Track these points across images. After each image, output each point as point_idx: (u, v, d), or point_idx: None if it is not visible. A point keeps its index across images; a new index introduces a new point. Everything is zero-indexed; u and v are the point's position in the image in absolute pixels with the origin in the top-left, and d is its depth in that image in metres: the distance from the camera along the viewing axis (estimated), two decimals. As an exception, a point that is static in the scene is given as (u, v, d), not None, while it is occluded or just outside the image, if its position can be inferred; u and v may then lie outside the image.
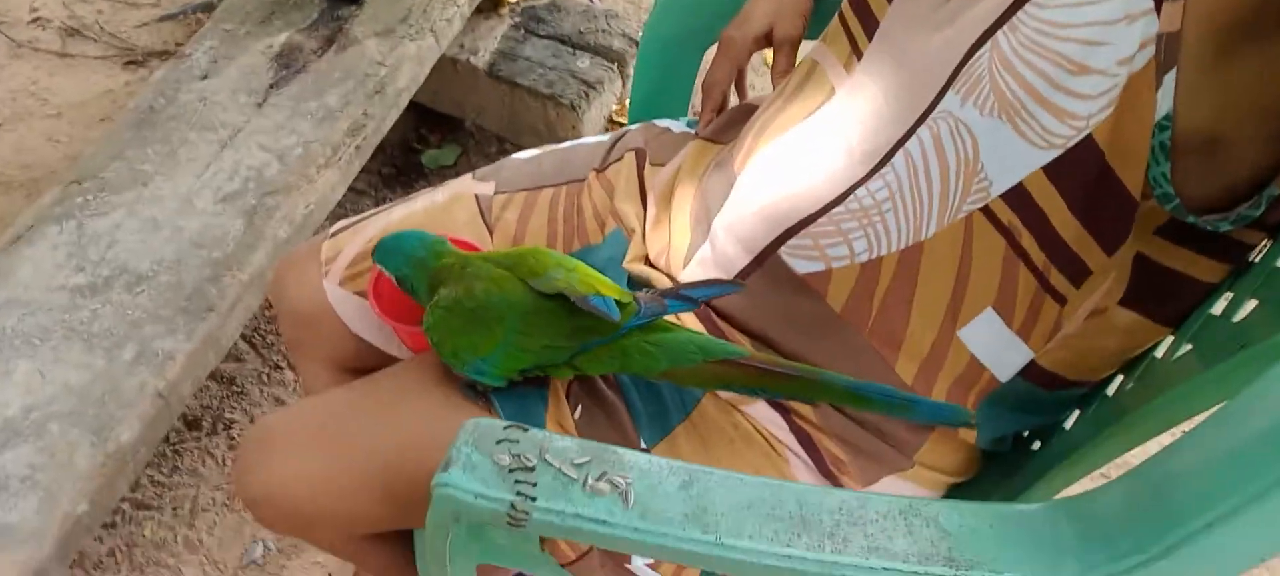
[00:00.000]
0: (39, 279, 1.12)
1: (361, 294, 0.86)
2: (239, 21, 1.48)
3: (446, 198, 0.91)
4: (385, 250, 0.75)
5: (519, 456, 0.55)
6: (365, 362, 0.88)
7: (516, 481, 0.54)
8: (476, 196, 0.91)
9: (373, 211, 0.93)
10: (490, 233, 0.89)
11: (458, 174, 1.84)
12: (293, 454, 0.73)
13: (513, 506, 0.53)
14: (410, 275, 0.74)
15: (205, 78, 1.39)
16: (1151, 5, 0.58)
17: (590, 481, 0.54)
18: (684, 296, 0.69)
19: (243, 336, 1.47)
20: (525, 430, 0.57)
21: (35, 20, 2.01)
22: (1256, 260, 0.64)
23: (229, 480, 1.33)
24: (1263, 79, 0.57)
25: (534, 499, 0.53)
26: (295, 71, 1.40)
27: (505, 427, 0.57)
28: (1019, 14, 0.64)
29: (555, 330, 0.70)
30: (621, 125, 1.85)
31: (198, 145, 1.29)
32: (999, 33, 0.65)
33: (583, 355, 0.70)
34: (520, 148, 1.87)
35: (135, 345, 1.07)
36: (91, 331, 1.08)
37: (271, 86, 1.38)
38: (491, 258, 0.73)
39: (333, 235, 0.91)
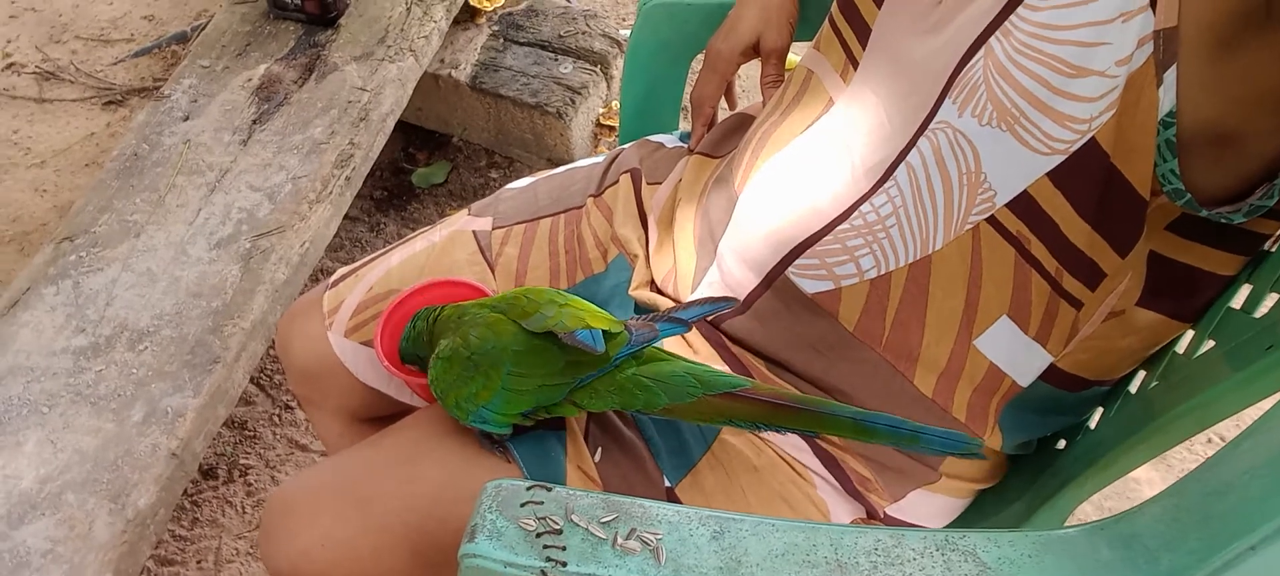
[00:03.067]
0: (40, 344, 1.11)
1: (368, 343, 0.86)
2: (216, 56, 1.46)
3: (444, 237, 0.90)
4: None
5: (545, 519, 0.55)
6: (378, 411, 0.88)
7: (545, 546, 0.54)
8: (475, 233, 0.90)
9: (372, 256, 0.92)
10: (492, 270, 0.89)
11: (449, 190, 1.84)
12: (317, 520, 0.72)
13: (543, 573, 0.53)
14: (412, 350, 0.74)
15: (187, 119, 1.37)
16: (1146, 1, 0.57)
17: (620, 539, 0.54)
18: (676, 319, 0.69)
19: (251, 379, 1.46)
20: (549, 489, 0.56)
21: (9, 66, 1.98)
22: (1272, 249, 0.63)
23: (251, 527, 1.32)
24: (1267, 68, 0.55)
25: (565, 564, 0.53)
26: (277, 104, 1.38)
27: (528, 488, 0.57)
28: (1011, 18, 0.63)
29: (548, 368, 0.69)
30: (610, 128, 1.84)
31: (186, 190, 1.27)
32: (992, 38, 0.64)
33: (580, 391, 0.69)
34: (509, 159, 1.87)
35: (144, 405, 1.06)
36: (98, 394, 1.07)
37: (255, 122, 1.36)
38: (488, 303, 0.73)
39: (333, 285, 0.90)
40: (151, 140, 1.33)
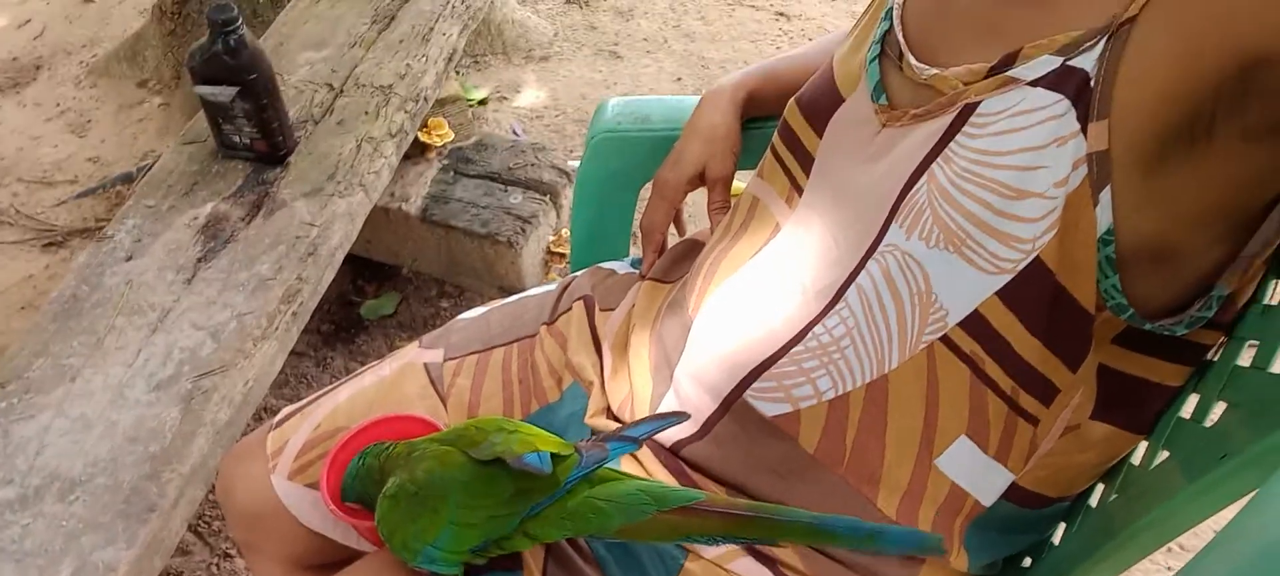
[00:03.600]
0: (-38, 498, 1.05)
1: (313, 485, 0.82)
2: (162, 195, 1.44)
3: (394, 371, 0.88)
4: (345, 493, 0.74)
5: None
6: (324, 558, 0.84)
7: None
8: (426, 365, 0.88)
9: (318, 394, 0.90)
10: (444, 403, 0.87)
11: (398, 321, 1.82)
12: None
13: None
14: (359, 488, 0.72)
15: (130, 258, 1.35)
16: (1078, 127, 0.59)
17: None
18: (626, 437, 0.67)
19: (189, 526, 1.40)
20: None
21: (-55, 211, 1.95)
22: (1215, 359, 0.64)
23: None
24: (1196, 187, 0.58)
25: None
26: (224, 242, 1.37)
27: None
28: (950, 145, 0.65)
29: (496, 497, 0.67)
30: (560, 255, 1.85)
31: (126, 332, 1.24)
32: (934, 165, 0.65)
33: (531, 520, 0.67)
34: (460, 288, 1.86)
35: (73, 560, 1.00)
36: (24, 549, 1.01)
37: (200, 260, 1.34)
38: (437, 436, 0.71)
39: (277, 425, 0.87)
40: (92, 281, 1.30)
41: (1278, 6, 0.51)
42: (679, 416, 0.72)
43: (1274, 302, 0.62)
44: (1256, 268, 0.62)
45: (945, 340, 0.65)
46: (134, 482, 1.06)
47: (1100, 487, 0.71)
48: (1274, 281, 0.63)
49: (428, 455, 0.68)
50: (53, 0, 2.76)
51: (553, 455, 0.65)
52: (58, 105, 2.32)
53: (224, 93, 1.35)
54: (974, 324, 0.64)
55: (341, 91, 1.60)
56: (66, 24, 2.64)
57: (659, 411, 0.77)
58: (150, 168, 1.51)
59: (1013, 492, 0.69)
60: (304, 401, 0.89)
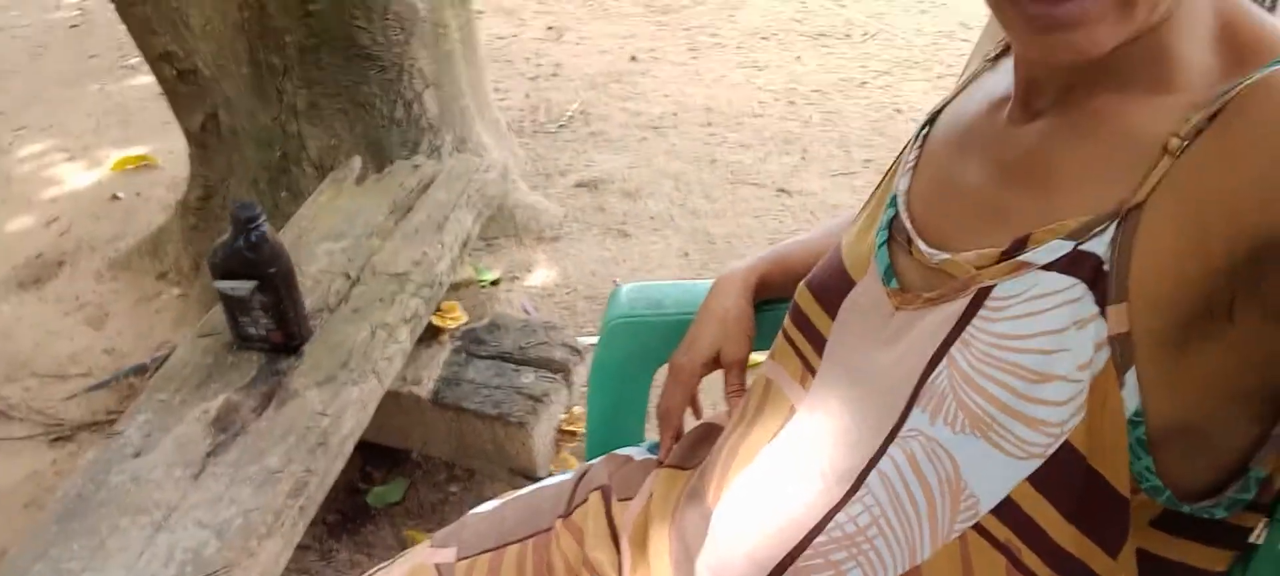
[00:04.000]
0: None
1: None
2: (174, 390, 1.44)
3: (405, 573, 0.86)
4: None
5: None
6: None
7: None
8: (438, 566, 0.85)
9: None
10: (456, 605, 0.83)
11: (406, 508, 1.78)
12: None
13: None
14: None
15: (138, 455, 1.33)
16: (1097, 310, 0.59)
17: None
18: None
19: None
20: None
21: (-42, 408, 1.95)
22: (1259, 542, 0.62)
23: None
24: (1222, 367, 0.57)
25: None
26: (234, 434, 1.36)
27: None
28: (968, 329, 0.64)
29: None
30: (572, 434, 1.83)
31: (129, 532, 1.21)
32: (953, 348, 0.65)
33: None
34: (470, 471, 1.83)
35: None
36: None
37: (209, 454, 1.33)
38: None
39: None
40: (98, 480, 1.28)
41: (1277, 192, 0.51)
42: None
43: (1315, 484, 0.60)
44: (1292, 447, 0.60)
45: (979, 528, 0.63)
46: (131, 695, 1.02)
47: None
48: (1313, 461, 0.61)
49: None
50: (81, 198, 2.86)
51: None
52: (77, 299, 2.36)
53: (243, 287, 1.37)
54: (1007, 511, 0.62)
55: (358, 280, 1.63)
56: (93, 221, 2.72)
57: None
58: (165, 359, 1.51)
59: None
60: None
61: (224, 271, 1.37)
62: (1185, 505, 0.60)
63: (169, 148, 2.98)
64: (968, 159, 0.71)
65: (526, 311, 2.29)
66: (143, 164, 3.04)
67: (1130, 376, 0.58)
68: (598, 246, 2.55)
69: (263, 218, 1.35)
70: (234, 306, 1.42)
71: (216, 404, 1.40)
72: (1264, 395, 0.58)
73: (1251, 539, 0.63)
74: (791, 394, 0.78)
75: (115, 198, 2.86)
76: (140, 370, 2.01)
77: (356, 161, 1.98)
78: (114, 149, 3.12)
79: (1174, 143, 0.57)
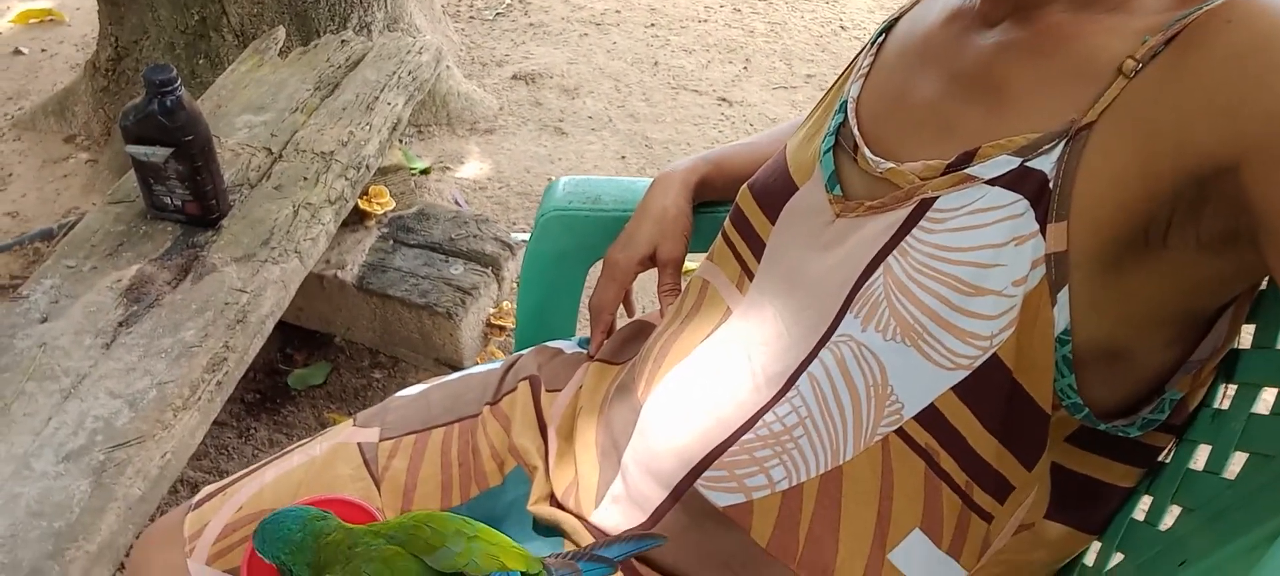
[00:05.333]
0: None
1: (233, 571, 0.77)
2: (83, 256, 1.38)
3: (326, 450, 0.84)
4: (262, 536, 0.67)
5: None
6: (241, 650, 0.78)
7: None
8: (360, 445, 0.84)
9: (242, 473, 0.85)
10: (377, 485, 0.83)
11: (327, 392, 1.76)
12: None
13: None
14: (289, 561, 0.65)
15: (45, 320, 1.27)
16: (1037, 228, 0.59)
17: None
18: (599, 557, 0.64)
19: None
20: None
21: None
22: (1167, 462, 0.64)
23: None
24: (1151, 291, 0.58)
25: None
26: (147, 305, 1.31)
27: None
28: (907, 238, 0.65)
29: None
30: (500, 328, 1.82)
31: (36, 398, 1.16)
32: (890, 257, 0.65)
33: None
34: (394, 359, 1.81)
35: (-43, 647, 0.92)
36: (-98, 635, 0.93)
37: (120, 325, 1.28)
38: (382, 531, 0.65)
39: (196, 506, 0.81)
40: (1, 344, 1.22)
41: (1232, 116, 0.52)
42: (656, 539, 0.68)
43: (1224, 407, 0.62)
44: (1207, 372, 0.62)
45: (901, 433, 0.65)
46: (34, 561, 0.99)
47: (1054, 590, 0.71)
48: (1223, 386, 0.64)
49: (373, 555, 0.63)
50: (-21, 50, 2.67)
51: (521, 574, 0.61)
52: (-23, 156, 2.23)
53: (157, 153, 1.30)
54: (930, 418, 0.64)
55: (280, 156, 1.56)
56: (-8, 74, 2.55)
57: (606, 499, 0.75)
58: (72, 225, 1.44)
59: (966, 590, 0.68)
60: (226, 481, 0.84)
61: (137, 136, 1.30)
62: (1102, 423, 0.62)
63: (76, 3, 2.79)
64: (921, 69, 0.71)
65: (457, 203, 2.24)
66: (48, 18, 2.85)
67: (1063, 295, 0.59)
68: (533, 142, 2.50)
69: (179, 82, 1.28)
70: (148, 173, 1.35)
71: (129, 273, 1.34)
72: (1186, 321, 0.60)
73: (1160, 458, 0.65)
74: (728, 297, 0.78)
75: (18, 52, 2.68)
76: (47, 235, 1.91)
77: (280, 32, 1.88)
78: (17, 1, 2.92)
79: (1129, 64, 0.57)
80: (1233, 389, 0.62)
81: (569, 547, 0.75)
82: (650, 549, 0.69)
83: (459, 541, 0.63)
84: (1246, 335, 0.64)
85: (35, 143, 2.30)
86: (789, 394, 0.68)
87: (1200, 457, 0.62)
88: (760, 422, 0.69)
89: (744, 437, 0.69)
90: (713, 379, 0.73)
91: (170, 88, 1.26)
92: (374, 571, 0.62)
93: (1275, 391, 0.60)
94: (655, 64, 2.91)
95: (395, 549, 0.63)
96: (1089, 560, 0.67)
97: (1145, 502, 0.64)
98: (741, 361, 0.72)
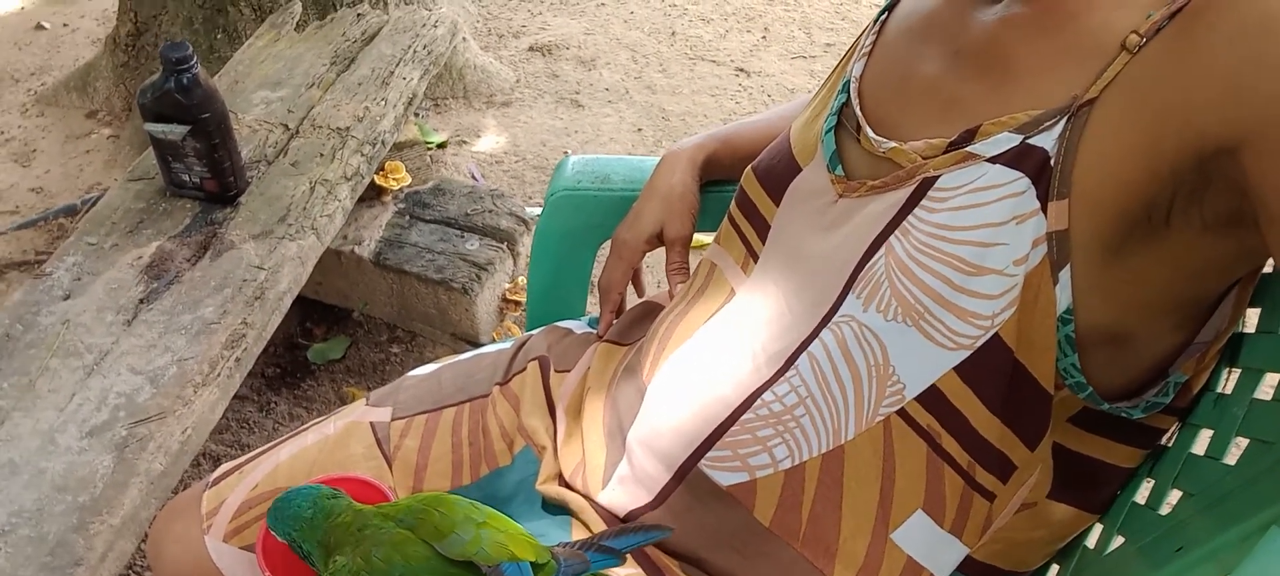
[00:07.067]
0: (-128, 549, 1.00)
1: (249, 548, 0.79)
2: (105, 233, 1.40)
3: (340, 429, 0.86)
4: (275, 514, 0.68)
5: None
6: (257, 623, 0.80)
7: None
8: (372, 425, 0.86)
9: (258, 451, 0.86)
10: (389, 464, 0.84)
11: (346, 366, 1.78)
12: None
13: None
14: (301, 539, 0.67)
15: (68, 297, 1.30)
16: (1038, 206, 0.59)
17: None
18: (607, 548, 0.65)
19: (115, 579, 1.33)
20: None
21: (-126, 239, 1.87)
22: (1169, 444, 0.64)
23: None
24: (1154, 273, 0.58)
25: None
26: (167, 282, 1.33)
27: None
28: (909, 218, 0.64)
29: None
30: (516, 303, 1.83)
31: (60, 374, 1.19)
32: (892, 237, 0.65)
33: None
34: (412, 333, 1.83)
35: (-12, 618, 0.95)
36: (-66, 605, 0.96)
37: (141, 301, 1.30)
38: (392, 513, 0.66)
39: (213, 484, 0.83)
40: (26, 320, 1.25)
41: (1236, 98, 0.51)
42: (663, 530, 0.69)
43: (1227, 392, 0.62)
44: (1211, 355, 0.62)
45: (902, 414, 0.65)
46: (60, 534, 1.02)
47: (1056, 568, 0.71)
48: (1227, 370, 0.63)
49: (382, 539, 0.63)
50: (3, 26, 2.70)
51: (531, 565, 0.62)
52: (2, 133, 2.26)
53: (175, 131, 1.32)
54: (932, 398, 0.64)
55: (297, 132, 1.57)
56: (15, 50, 2.58)
57: (612, 481, 0.76)
58: (95, 201, 1.46)
59: (967, 565, 0.69)
60: (243, 459, 0.86)
61: (155, 114, 1.31)
62: (1105, 404, 0.62)
63: (98, -22, 2.81)
64: (924, 47, 0.70)
65: (473, 177, 2.25)
66: (70, -7, 2.87)
67: (1064, 274, 0.59)
68: (549, 115, 2.50)
69: (195, 60, 1.29)
70: (166, 151, 1.37)
71: (149, 250, 1.36)
72: (1190, 304, 0.60)
73: (1163, 441, 0.65)
74: (733, 278, 0.79)
75: (40, 26, 2.71)
76: (71, 211, 1.94)
77: (297, 6, 1.89)
78: (39, -25, 2.94)
79: (1132, 39, 0.56)
80: (1236, 373, 0.62)
81: (577, 526, 0.76)
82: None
83: (468, 527, 0.63)
84: (1250, 318, 0.64)
85: (58, 118, 2.33)
86: (788, 373, 0.69)
87: (1202, 442, 0.62)
88: (759, 402, 0.69)
89: (744, 417, 0.70)
90: (714, 359, 0.74)
91: (186, 65, 1.28)
92: (383, 555, 0.63)
93: (1278, 377, 0.59)
94: (672, 33, 2.89)
95: (404, 533, 0.64)
96: (1090, 542, 0.67)
97: (1147, 486, 0.64)
98: (743, 342, 0.73)
